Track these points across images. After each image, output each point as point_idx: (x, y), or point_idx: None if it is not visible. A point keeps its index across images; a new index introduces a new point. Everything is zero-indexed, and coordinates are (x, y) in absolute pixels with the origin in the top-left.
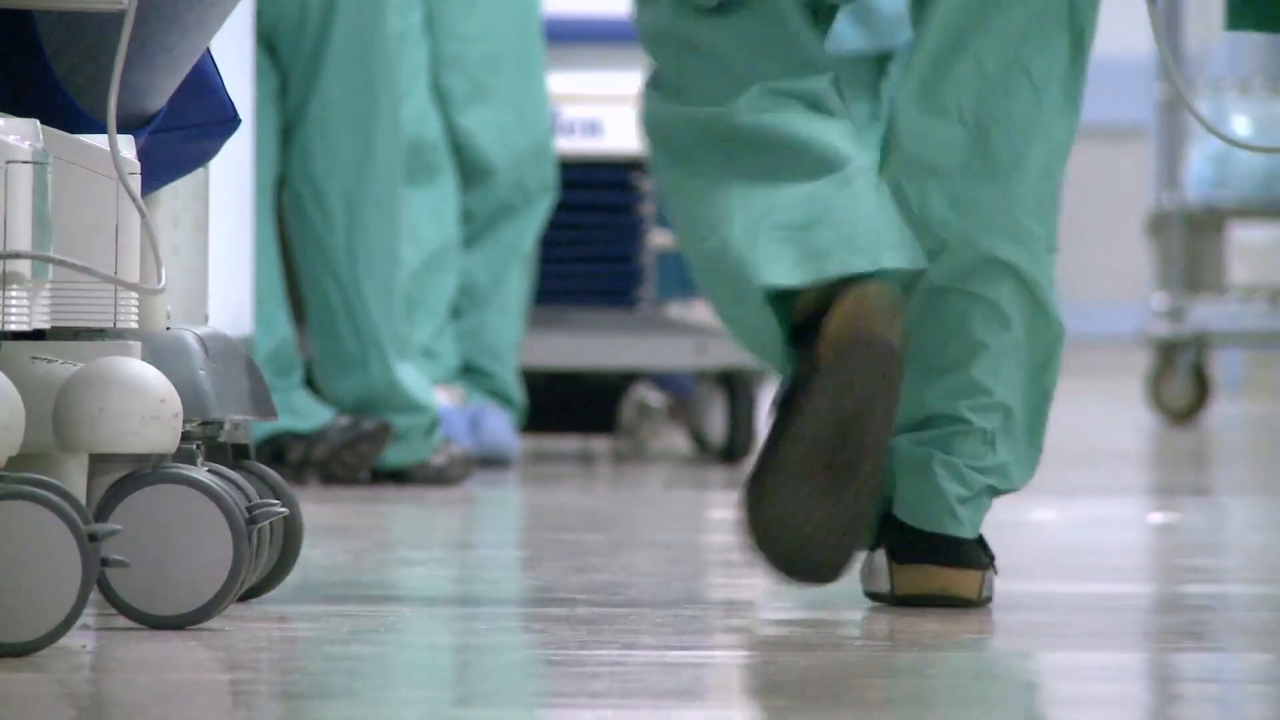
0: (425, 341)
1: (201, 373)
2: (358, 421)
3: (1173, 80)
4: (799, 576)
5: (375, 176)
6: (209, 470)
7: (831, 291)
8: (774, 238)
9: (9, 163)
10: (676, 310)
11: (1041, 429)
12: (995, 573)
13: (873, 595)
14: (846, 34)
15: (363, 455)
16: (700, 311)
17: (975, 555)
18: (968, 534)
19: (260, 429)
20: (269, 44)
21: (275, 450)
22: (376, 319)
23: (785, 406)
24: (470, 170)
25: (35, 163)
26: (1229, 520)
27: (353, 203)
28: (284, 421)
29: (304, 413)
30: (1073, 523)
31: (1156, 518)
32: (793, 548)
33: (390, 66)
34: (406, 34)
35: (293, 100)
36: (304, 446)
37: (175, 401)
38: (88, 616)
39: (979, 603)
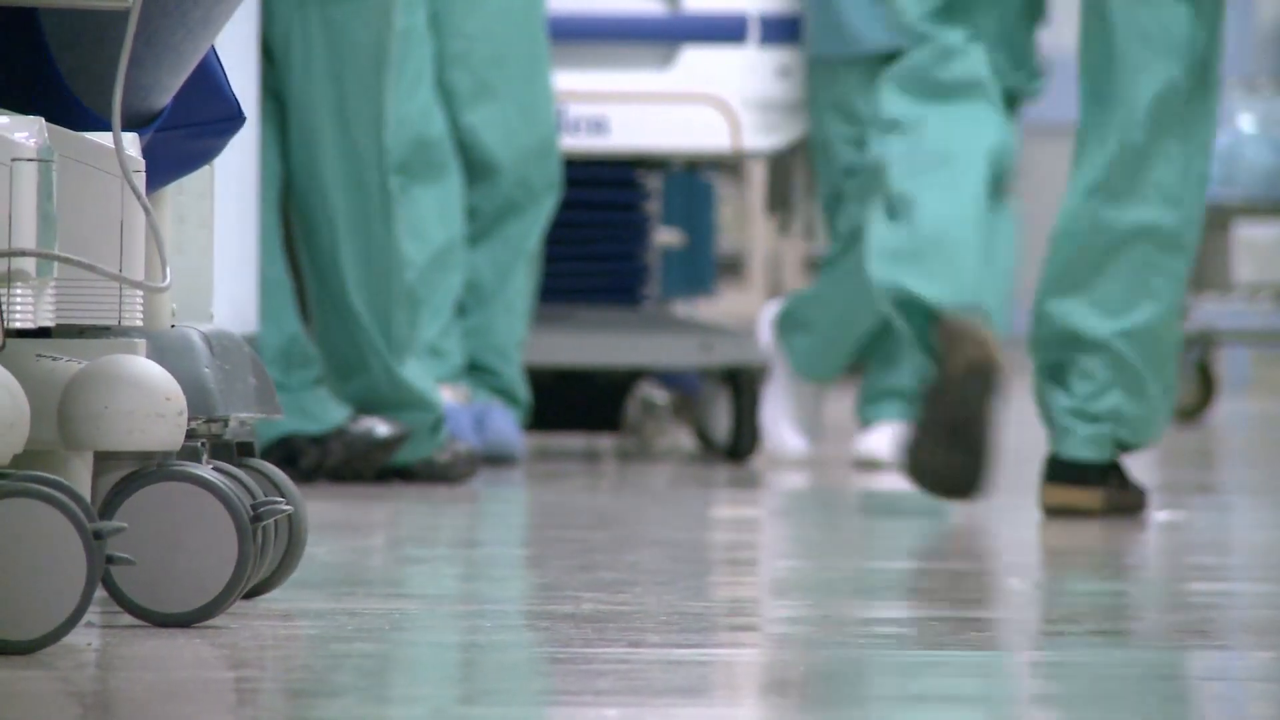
0: (431, 339)
1: (206, 370)
2: (372, 429)
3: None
4: (944, 497)
5: (358, 182)
6: (214, 468)
7: (944, 322)
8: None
9: (14, 160)
10: (681, 308)
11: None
12: (1132, 496)
13: None
14: (864, 32)
15: (374, 461)
16: (704, 309)
17: (1093, 477)
18: (1088, 457)
19: (272, 430)
20: (266, 45)
21: (287, 453)
22: (368, 324)
23: (924, 395)
24: (475, 168)
25: (40, 160)
26: (1234, 518)
27: (332, 211)
28: (295, 424)
29: (316, 414)
30: (1076, 519)
31: (1162, 516)
32: (933, 482)
33: (368, 72)
34: (411, 32)
35: (284, 105)
36: (317, 453)
37: (180, 399)
38: (93, 614)
39: (1098, 513)
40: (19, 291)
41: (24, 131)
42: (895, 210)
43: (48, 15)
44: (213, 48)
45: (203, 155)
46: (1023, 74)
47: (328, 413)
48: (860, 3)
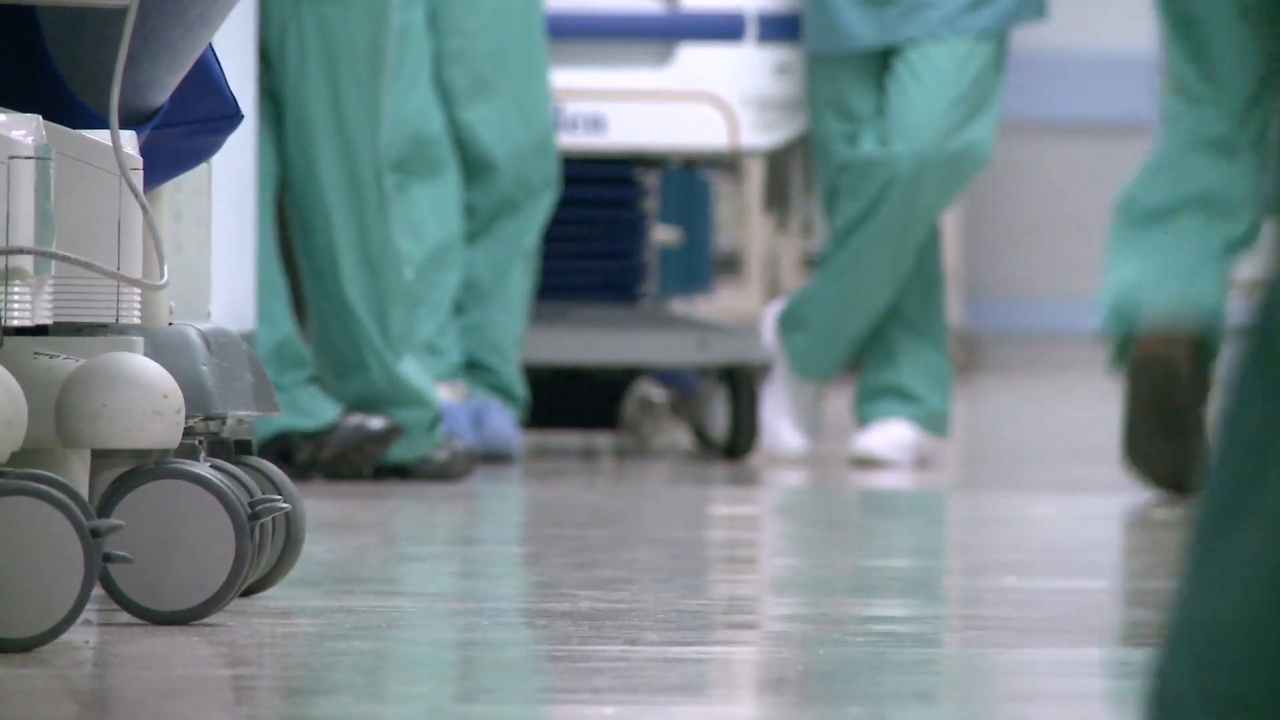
0: (428, 337)
1: (204, 368)
2: (365, 422)
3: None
4: (1159, 487)
5: (353, 180)
6: (211, 466)
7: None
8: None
9: (12, 158)
10: (679, 306)
11: None
12: None
13: None
14: (855, 29)
15: (369, 455)
16: (702, 307)
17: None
18: None
19: (266, 427)
20: (261, 45)
21: (282, 450)
22: (365, 322)
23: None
24: (473, 165)
25: (38, 158)
26: None
27: (329, 210)
28: (289, 420)
29: (310, 411)
30: (1073, 518)
31: (1159, 513)
32: (1149, 471)
33: (362, 70)
34: (409, 30)
35: (279, 106)
36: (311, 447)
37: (178, 397)
38: (90, 612)
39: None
40: (17, 289)
41: (22, 129)
42: None
43: (46, 13)
44: (211, 46)
45: (200, 153)
46: None
47: (321, 410)
48: (853, 1)
